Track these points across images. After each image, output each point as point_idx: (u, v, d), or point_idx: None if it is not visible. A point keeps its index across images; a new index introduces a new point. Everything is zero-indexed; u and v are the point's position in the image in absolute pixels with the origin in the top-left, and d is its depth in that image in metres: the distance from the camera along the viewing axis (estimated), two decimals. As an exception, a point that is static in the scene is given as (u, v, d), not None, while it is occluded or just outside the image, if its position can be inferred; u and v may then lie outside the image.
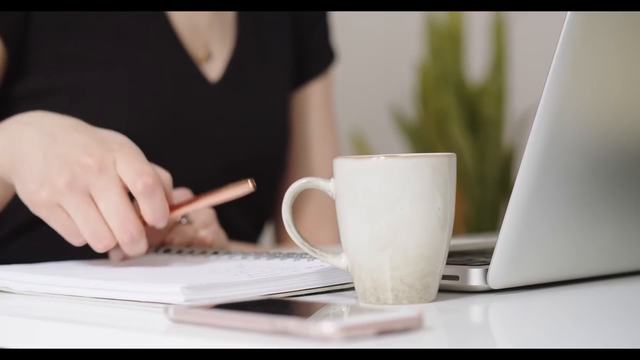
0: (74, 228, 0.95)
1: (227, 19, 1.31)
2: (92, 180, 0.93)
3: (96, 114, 1.21)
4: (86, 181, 0.93)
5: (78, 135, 0.97)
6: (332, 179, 0.82)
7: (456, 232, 1.55)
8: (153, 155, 1.01)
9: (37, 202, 0.95)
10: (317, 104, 1.42)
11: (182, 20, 1.26)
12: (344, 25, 1.58)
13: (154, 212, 0.95)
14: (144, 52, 1.23)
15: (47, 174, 0.95)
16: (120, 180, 0.94)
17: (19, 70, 1.20)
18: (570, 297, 0.84)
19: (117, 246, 0.97)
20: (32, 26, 1.19)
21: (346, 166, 0.80)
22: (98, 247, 0.94)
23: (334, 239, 0.83)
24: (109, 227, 0.93)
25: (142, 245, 0.95)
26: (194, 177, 1.25)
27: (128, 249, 0.95)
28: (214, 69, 1.29)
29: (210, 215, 1.09)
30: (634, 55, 0.87)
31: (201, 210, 1.07)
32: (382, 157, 0.79)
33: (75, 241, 0.96)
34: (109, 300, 0.84)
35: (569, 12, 0.81)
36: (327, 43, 1.44)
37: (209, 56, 1.28)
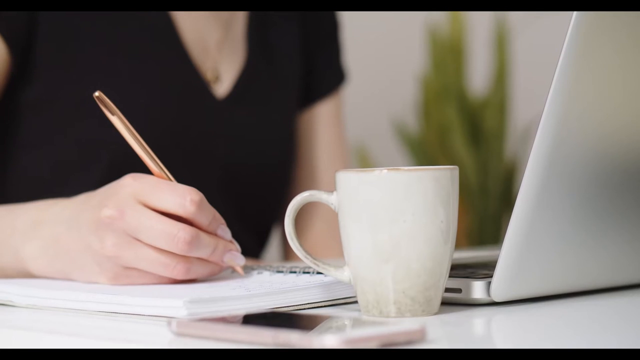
0: (150, 275, 0.92)
1: (237, 36, 1.31)
2: (122, 225, 0.90)
3: (99, 127, 1.21)
4: (120, 231, 0.91)
5: (79, 206, 0.95)
6: (334, 192, 0.82)
7: (459, 244, 1.55)
8: None
9: (110, 281, 0.93)
10: (326, 124, 1.41)
11: (192, 39, 1.25)
12: (346, 38, 1.59)
13: (209, 219, 0.92)
14: (151, 67, 1.23)
15: (92, 256, 0.93)
16: (145, 206, 0.91)
17: (23, 78, 1.20)
18: (572, 309, 0.84)
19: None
20: (37, 34, 1.18)
21: (348, 179, 0.80)
22: (175, 274, 0.90)
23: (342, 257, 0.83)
24: (164, 252, 0.90)
25: (205, 244, 0.90)
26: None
27: (194, 253, 0.90)
28: (221, 86, 1.28)
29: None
30: (637, 65, 0.87)
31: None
32: (384, 170, 0.79)
33: (166, 280, 0.92)
34: (112, 314, 0.84)
35: (575, 13, 0.80)
36: (338, 62, 1.43)
37: (217, 79, 1.27)
